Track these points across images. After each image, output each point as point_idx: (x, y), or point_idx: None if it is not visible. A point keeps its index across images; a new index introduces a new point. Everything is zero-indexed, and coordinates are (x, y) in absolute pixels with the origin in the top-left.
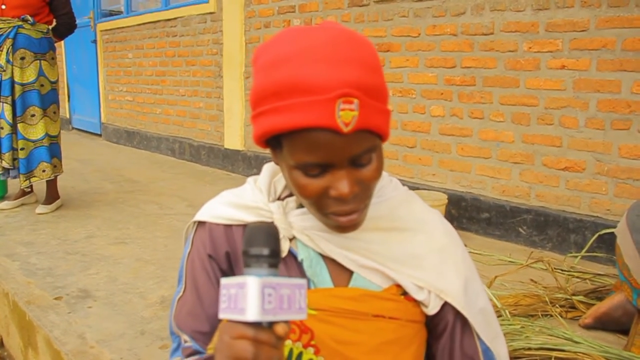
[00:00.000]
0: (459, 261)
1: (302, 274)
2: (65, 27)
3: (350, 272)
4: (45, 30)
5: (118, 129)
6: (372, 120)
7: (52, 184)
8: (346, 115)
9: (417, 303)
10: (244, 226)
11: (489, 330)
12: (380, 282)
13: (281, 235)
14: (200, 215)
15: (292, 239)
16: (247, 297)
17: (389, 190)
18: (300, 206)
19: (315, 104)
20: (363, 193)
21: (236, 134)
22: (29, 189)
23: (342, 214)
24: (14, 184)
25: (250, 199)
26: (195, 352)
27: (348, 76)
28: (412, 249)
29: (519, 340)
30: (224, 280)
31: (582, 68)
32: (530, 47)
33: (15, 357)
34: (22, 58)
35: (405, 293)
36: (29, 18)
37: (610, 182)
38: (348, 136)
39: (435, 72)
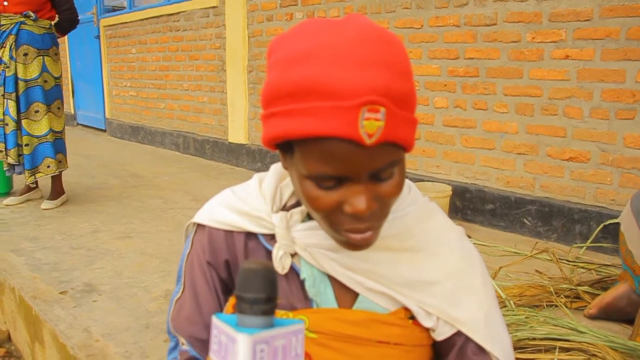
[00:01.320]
0: (479, 289)
1: (303, 291)
2: (68, 22)
3: (356, 292)
4: (47, 26)
5: (122, 124)
6: (399, 131)
7: (57, 180)
8: (370, 126)
9: (426, 327)
10: (246, 234)
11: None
12: (387, 305)
13: (282, 252)
14: (201, 218)
15: (294, 254)
16: (236, 355)
17: (406, 204)
18: (307, 218)
19: (337, 111)
20: (380, 210)
21: (240, 127)
22: (34, 185)
23: (356, 232)
24: (20, 180)
25: (253, 206)
26: (192, 359)
27: (376, 81)
28: (424, 273)
29: (524, 331)
30: (216, 321)
31: (586, 58)
32: (533, 38)
33: (23, 351)
34: (25, 54)
35: (413, 317)
36: (32, 14)
37: (615, 172)
38: (370, 149)
39: (439, 64)
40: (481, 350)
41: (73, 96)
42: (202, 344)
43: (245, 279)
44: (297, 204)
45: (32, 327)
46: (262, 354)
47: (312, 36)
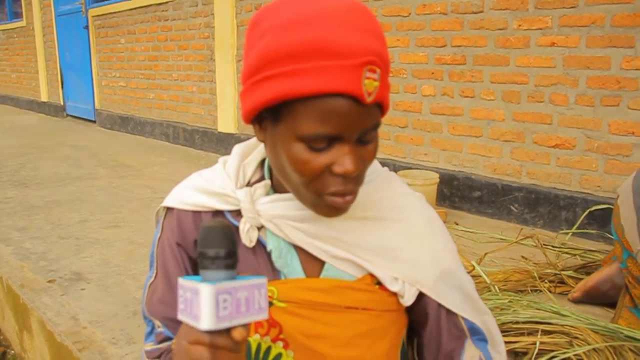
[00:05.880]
0: (439, 250)
1: (271, 263)
2: None
3: (323, 261)
4: None
5: (112, 115)
6: (385, 93)
7: None
8: (370, 85)
9: (393, 292)
10: (213, 213)
11: (473, 308)
12: (353, 272)
13: (249, 225)
14: (169, 201)
15: (260, 227)
16: (200, 305)
17: (367, 174)
18: (272, 192)
19: (343, 69)
20: (361, 174)
21: (229, 117)
22: None
23: (341, 194)
24: None
25: (218, 184)
26: (167, 339)
27: (372, 45)
28: (388, 239)
29: (507, 315)
30: (181, 281)
31: (571, 45)
32: (520, 25)
33: (11, 340)
34: None
35: (380, 282)
36: None
37: (601, 158)
38: (365, 107)
39: (426, 52)
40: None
41: (62, 87)
42: (177, 324)
43: (205, 236)
44: (259, 181)
45: (20, 316)
46: (225, 304)
47: (305, 4)
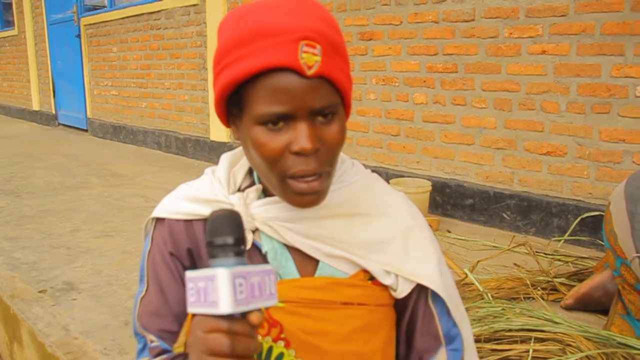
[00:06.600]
0: (428, 243)
1: None
2: None
3: (316, 261)
4: None
5: (104, 124)
6: (335, 71)
7: None
8: (309, 58)
9: (385, 287)
10: (204, 220)
11: (457, 310)
12: (346, 269)
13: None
14: (158, 212)
15: (255, 230)
16: (218, 289)
17: (350, 175)
18: (263, 195)
19: (278, 45)
20: (325, 156)
21: (221, 126)
22: None
23: (304, 175)
24: None
25: (209, 191)
26: (163, 351)
27: (312, 24)
28: (377, 234)
29: (500, 322)
30: (190, 274)
31: (562, 53)
32: (511, 33)
33: (1, 351)
34: None
35: (372, 278)
36: None
37: (592, 165)
38: (310, 82)
39: (418, 60)
40: (427, 307)
41: (54, 96)
42: (173, 335)
43: (214, 225)
44: (250, 186)
45: (10, 327)
46: (241, 287)
47: (256, 2)
